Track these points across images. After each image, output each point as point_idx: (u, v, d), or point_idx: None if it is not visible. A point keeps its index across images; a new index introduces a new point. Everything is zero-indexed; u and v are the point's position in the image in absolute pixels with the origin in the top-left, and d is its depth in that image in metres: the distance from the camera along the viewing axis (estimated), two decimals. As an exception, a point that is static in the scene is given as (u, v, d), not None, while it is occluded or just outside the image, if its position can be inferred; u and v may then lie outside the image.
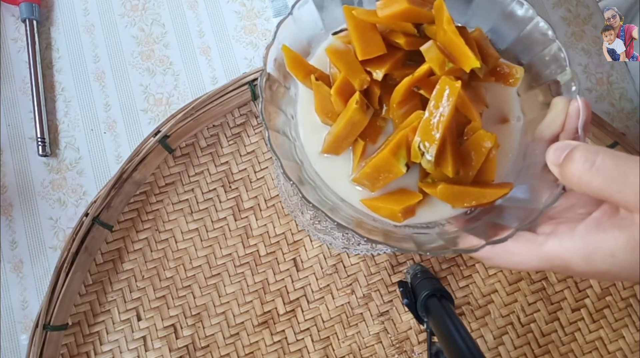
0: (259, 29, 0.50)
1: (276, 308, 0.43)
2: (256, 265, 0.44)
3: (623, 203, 0.22)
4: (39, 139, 0.46)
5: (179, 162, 0.46)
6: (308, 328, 0.43)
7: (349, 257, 0.44)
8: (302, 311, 0.43)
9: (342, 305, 0.43)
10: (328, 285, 0.44)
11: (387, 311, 0.43)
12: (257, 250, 0.44)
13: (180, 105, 0.47)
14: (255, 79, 0.44)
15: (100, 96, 0.48)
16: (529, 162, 0.28)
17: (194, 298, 0.44)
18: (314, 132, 0.30)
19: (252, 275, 0.44)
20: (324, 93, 0.28)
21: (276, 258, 0.44)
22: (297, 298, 0.44)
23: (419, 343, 0.43)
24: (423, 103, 0.28)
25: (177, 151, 0.46)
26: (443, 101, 0.25)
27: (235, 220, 0.45)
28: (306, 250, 0.44)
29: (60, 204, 0.46)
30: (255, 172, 0.46)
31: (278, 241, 0.45)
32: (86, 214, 0.42)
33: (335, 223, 0.25)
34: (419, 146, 0.26)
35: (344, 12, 0.28)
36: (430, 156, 0.25)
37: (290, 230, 0.45)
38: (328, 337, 0.43)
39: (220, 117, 0.47)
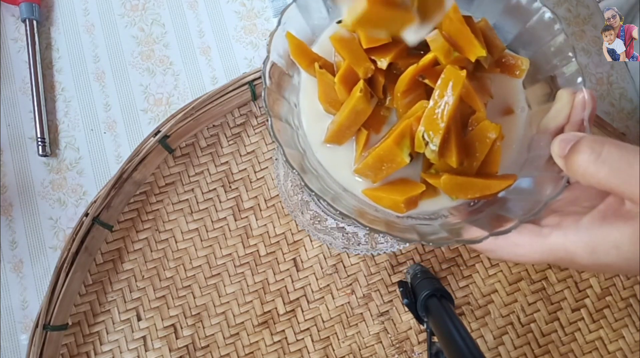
0: (259, 29, 0.50)
1: (276, 308, 0.43)
2: (256, 265, 0.44)
3: (629, 195, 0.22)
4: (39, 139, 0.46)
5: (179, 162, 0.46)
6: (308, 328, 0.43)
7: (349, 257, 0.44)
8: (302, 311, 0.43)
9: (342, 305, 0.43)
10: (328, 285, 0.44)
11: (387, 311, 0.43)
12: (257, 250, 0.44)
13: (180, 105, 0.47)
14: (256, 79, 0.44)
15: (100, 96, 0.48)
16: (533, 154, 0.28)
17: (194, 298, 0.44)
18: (317, 120, 0.29)
19: (252, 275, 0.44)
20: (328, 81, 0.28)
21: (276, 258, 0.44)
22: (297, 298, 0.44)
23: (419, 343, 0.43)
24: (427, 93, 0.27)
25: (177, 151, 0.46)
26: (448, 91, 0.25)
27: (235, 220, 0.45)
28: (306, 250, 0.44)
29: (60, 204, 0.46)
30: (255, 172, 0.46)
31: (278, 241, 0.45)
32: (86, 214, 0.42)
33: (338, 212, 0.25)
34: (423, 136, 0.25)
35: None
36: (434, 146, 0.25)
37: (290, 230, 0.45)
38: (328, 337, 0.43)
39: (220, 117, 0.47)
